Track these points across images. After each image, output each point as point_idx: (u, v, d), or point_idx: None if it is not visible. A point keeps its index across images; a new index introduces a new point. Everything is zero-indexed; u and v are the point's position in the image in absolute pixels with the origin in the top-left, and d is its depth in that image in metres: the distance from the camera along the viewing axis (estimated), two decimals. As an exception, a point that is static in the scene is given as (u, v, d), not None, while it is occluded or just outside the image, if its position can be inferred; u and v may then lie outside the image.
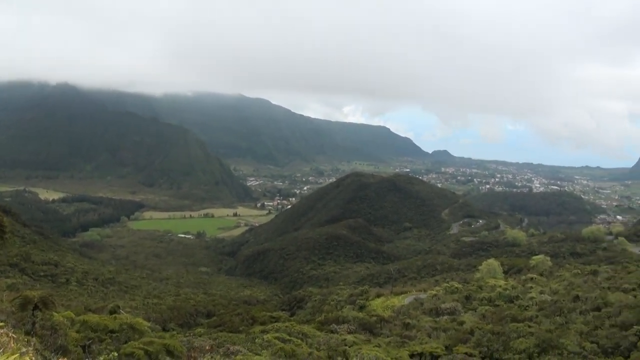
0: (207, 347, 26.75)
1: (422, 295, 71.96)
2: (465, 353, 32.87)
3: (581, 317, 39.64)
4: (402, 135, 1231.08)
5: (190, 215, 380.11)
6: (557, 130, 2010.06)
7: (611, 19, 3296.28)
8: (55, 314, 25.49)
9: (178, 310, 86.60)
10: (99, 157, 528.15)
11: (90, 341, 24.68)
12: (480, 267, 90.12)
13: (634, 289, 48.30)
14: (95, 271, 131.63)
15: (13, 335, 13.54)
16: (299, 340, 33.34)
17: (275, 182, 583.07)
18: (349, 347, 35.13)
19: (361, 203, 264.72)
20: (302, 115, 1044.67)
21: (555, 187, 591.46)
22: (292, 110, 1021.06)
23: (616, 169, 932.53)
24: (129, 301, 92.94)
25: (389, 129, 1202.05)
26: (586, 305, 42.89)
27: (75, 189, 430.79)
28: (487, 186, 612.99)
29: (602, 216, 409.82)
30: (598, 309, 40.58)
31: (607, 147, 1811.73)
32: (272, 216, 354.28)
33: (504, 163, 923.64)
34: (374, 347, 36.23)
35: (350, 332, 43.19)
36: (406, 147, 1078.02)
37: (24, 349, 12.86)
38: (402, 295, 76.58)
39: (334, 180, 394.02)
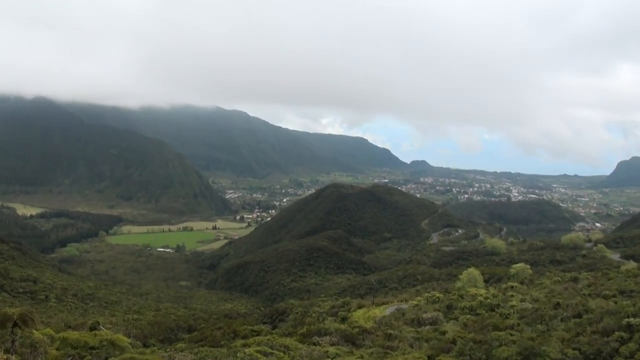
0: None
1: (404, 306, 71.90)
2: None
3: (562, 324, 39.77)
4: (381, 146, 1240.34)
5: (169, 229, 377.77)
6: (535, 139, 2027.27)
7: (587, 29, 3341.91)
8: (35, 331, 25.16)
9: (159, 325, 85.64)
10: (77, 171, 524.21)
11: (70, 358, 24.35)
12: (460, 277, 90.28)
13: (614, 295, 48.64)
14: (74, 287, 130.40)
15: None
16: (281, 354, 33.14)
17: (255, 195, 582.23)
18: (332, 359, 34.97)
19: (341, 214, 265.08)
20: (281, 127, 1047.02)
21: (534, 196, 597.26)
22: (270, 122, 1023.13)
23: (594, 177, 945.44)
24: (109, 317, 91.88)
25: (367, 140, 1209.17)
26: (567, 313, 43.07)
27: (53, 204, 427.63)
28: (466, 196, 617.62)
29: (581, 224, 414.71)
30: (579, 315, 40.74)
31: (585, 156, 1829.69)
32: (251, 229, 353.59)
33: (482, 172, 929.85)
34: (356, 358, 36.14)
35: (332, 344, 42.97)
36: (384, 157, 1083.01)
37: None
38: (384, 305, 76.45)
39: (314, 191, 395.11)
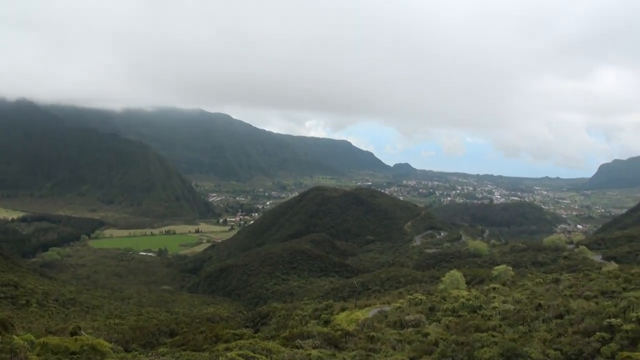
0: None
1: (387, 308, 71.77)
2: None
3: (544, 325, 39.88)
4: (364, 149, 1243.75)
5: (151, 233, 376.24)
6: (517, 142, 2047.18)
7: (568, 32, 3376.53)
8: (15, 336, 24.80)
9: (140, 330, 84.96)
10: (58, 174, 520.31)
11: (49, 364, 24.05)
12: (443, 279, 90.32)
13: (595, 296, 48.88)
14: (56, 292, 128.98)
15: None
16: (264, 357, 32.95)
17: (238, 198, 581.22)
18: (315, 362, 34.83)
19: (324, 217, 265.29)
20: (264, 130, 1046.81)
21: (516, 198, 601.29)
22: (254, 125, 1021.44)
23: (575, 179, 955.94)
24: (90, 322, 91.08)
25: (350, 143, 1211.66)
26: (549, 313, 43.18)
27: (34, 208, 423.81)
28: (449, 198, 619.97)
29: (563, 225, 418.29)
30: (561, 316, 40.87)
31: (567, 158, 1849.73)
32: (234, 232, 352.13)
33: (464, 175, 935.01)
34: (339, 361, 36.02)
35: (315, 347, 42.77)
36: (368, 160, 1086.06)
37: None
38: (367, 308, 76.26)
39: (297, 194, 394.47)
